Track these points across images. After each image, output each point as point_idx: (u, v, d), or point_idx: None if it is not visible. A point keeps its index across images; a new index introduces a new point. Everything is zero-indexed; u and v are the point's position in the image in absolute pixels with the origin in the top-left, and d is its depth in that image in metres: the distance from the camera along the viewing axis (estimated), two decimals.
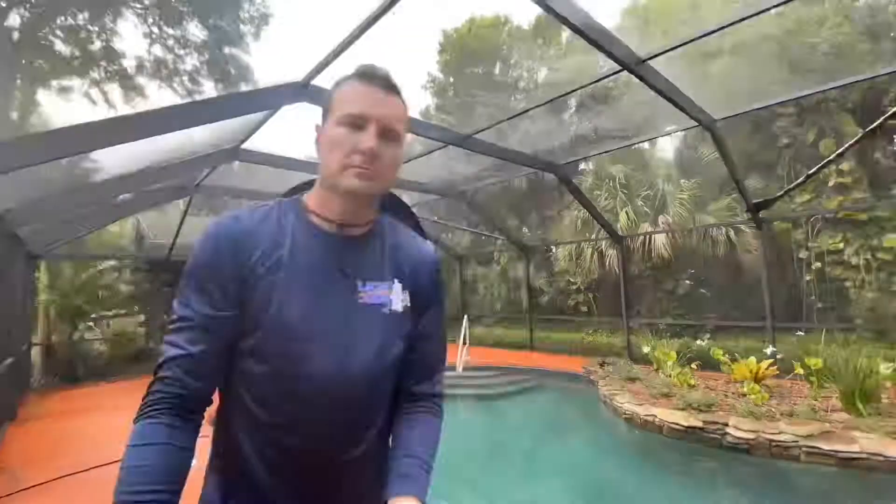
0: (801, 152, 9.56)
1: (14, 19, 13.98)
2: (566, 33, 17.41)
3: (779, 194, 6.75)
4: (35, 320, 8.91)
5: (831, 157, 5.93)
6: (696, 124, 5.33)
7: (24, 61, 14.23)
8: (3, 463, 4.08)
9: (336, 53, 3.61)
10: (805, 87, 5.05)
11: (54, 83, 15.52)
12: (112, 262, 10.56)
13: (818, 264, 8.94)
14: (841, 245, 8.61)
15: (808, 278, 9.19)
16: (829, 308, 9.01)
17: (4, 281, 4.67)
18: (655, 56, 4.05)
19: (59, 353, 8.74)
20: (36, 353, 8.69)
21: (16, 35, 13.86)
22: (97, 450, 4.40)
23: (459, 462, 5.02)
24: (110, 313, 11.13)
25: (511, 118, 5.51)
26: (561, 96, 5.13)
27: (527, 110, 5.39)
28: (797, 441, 4.14)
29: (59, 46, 14.99)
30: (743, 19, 3.67)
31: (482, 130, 5.81)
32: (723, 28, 3.79)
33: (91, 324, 10.89)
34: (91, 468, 3.88)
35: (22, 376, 6.78)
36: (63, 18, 14.72)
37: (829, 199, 8.91)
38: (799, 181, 6.56)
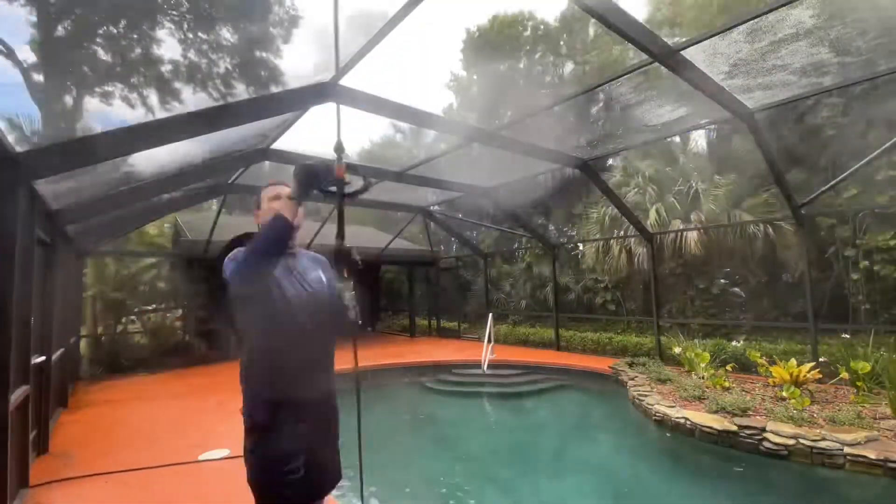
0: (847, 143, 9.00)
1: (61, 30, 14.83)
2: (594, 25, 17.02)
3: (823, 188, 6.40)
4: (83, 314, 9.46)
5: (883, 148, 5.57)
6: (732, 116, 5.13)
7: (70, 69, 15.06)
8: (58, 447, 4.37)
9: (362, 54, 3.66)
10: (852, 73, 4.75)
11: (97, 89, 16.39)
12: (152, 259, 11.08)
13: (866, 262, 8.42)
14: (892, 242, 8.07)
15: (854, 277, 8.67)
16: (879, 309, 8.48)
17: (56, 276, 4.98)
18: (688, 46, 3.90)
19: (104, 345, 9.26)
20: (84, 345, 9.23)
21: (63, 45, 14.71)
22: (140, 437, 4.65)
23: (485, 463, 5.02)
24: (150, 308, 11.70)
25: (535, 114, 5.44)
26: (586, 91, 5.02)
27: (551, 106, 5.31)
28: (841, 448, 3.93)
29: (102, 55, 15.82)
30: (782, 5, 3.49)
31: (506, 126, 5.76)
32: (757, 17, 3.62)
33: (133, 317, 11.48)
34: (138, 469, 4.10)
35: (72, 366, 7.22)
36: (105, 28, 15.51)
37: (880, 194, 8.37)
38: (846, 173, 6.20)
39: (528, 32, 19.11)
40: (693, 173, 10.81)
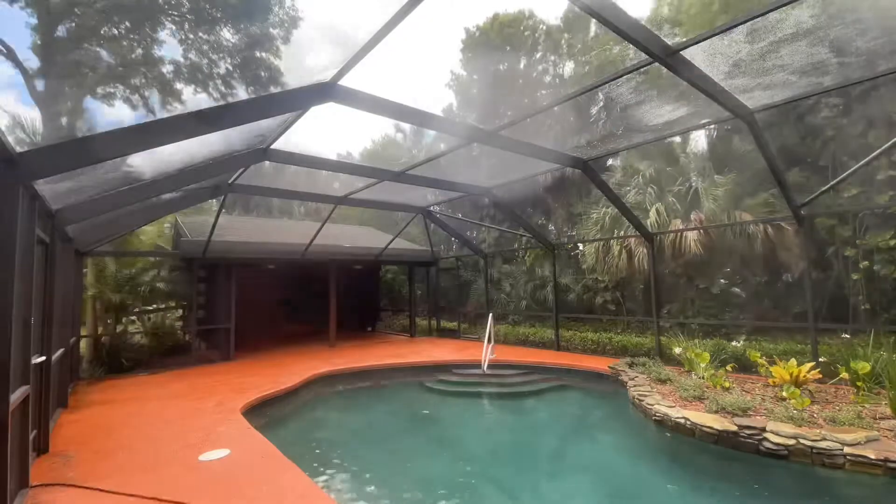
0: (847, 144, 9.01)
1: (62, 31, 14.84)
2: (594, 25, 17.03)
3: (823, 189, 6.40)
4: (83, 314, 9.47)
5: (883, 148, 5.57)
6: (732, 116, 5.13)
7: (71, 70, 15.07)
8: (58, 447, 4.37)
9: (362, 54, 3.66)
10: (852, 73, 4.75)
11: (99, 90, 16.41)
12: (152, 259, 11.09)
13: (866, 263, 8.42)
14: (892, 242, 8.07)
15: (854, 277, 8.67)
16: (879, 309, 8.48)
17: (56, 276, 4.98)
18: (688, 46, 3.90)
19: (104, 345, 9.26)
20: (84, 345, 9.23)
21: (64, 46, 14.72)
22: (140, 437, 4.65)
23: (485, 463, 5.02)
24: (150, 308, 11.71)
25: (536, 114, 5.44)
26: (586, 90, 5.02)
27: (551, 106, 5.31)
28: (841, 448, 3.93)
29: (103, 56, 15.83)
30: (782, 5, 3.49)
31: (506, 126, 5.76)
32: (755, 17, 3.62)
33: (133, 318, 11.49)
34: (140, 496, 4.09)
35: (72, 366, 7.22)
36: (106, 29, 15.52)
37: (880, 194, 8.37)
38: (846, 173, 6.20)
39: (528, 32, 19.11)
40: (693, 173, 10.81)
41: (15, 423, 3.02)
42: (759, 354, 6.45)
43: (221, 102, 17.60)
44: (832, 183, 6.49)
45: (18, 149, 2.84)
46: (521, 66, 19.47)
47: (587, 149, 6.93)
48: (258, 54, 18.24)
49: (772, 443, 4.25)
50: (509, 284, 14.70)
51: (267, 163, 6.47)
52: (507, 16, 19.29)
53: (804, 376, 5.57)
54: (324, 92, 4.02)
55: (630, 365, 7.46)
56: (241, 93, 18.37)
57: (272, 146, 5.73)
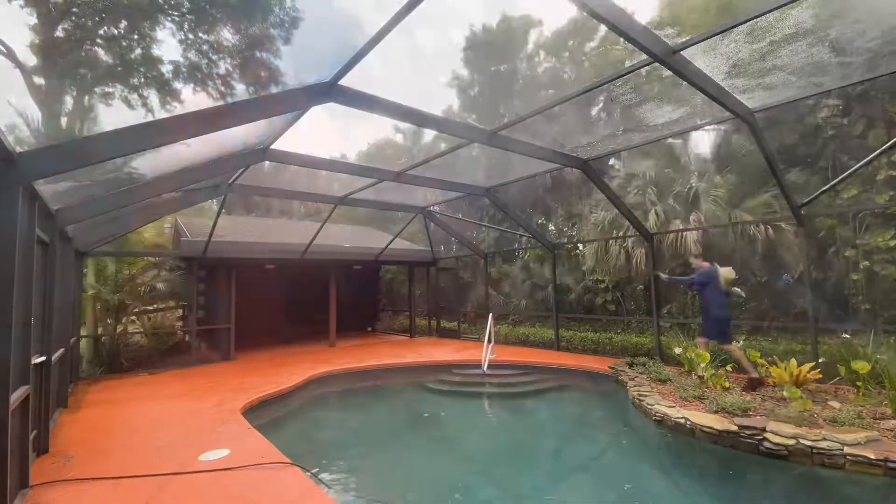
0: (847, 144, 9.00)
1: (61, 31, 14.83)
2: (601, 28, 17.03)
3: (823, 189, 6.40)
4: (83, 314, 9.46)
5: (883, 148, 5.57)
6: (732, 116, 5.13)
7: (70, 70, 15.05)
8: (58, 448, 4.36)
9: (362, 54, 3.66)
10: (852, 74, 4.75)
11: (97, 90, 16.39)
12: (151, 259, 11.08)
13: (866, 262, 8.41)
14: (892, 242, 8.07)
15: (854, 277, 8.66)
16: (879, 309, 8.47)
17: (56, 276, 4.97)
18: (688, 46, 3.90)
19: (104, 345, 9.26)
20: (84, 345, 9.23)
21: (63, 46, 14.71)
22: (139, 437, 4.64)
23: (484, 463, 5.02)
24: (150, 308, 11.70)
25: (536, 113, 5.44)
26: (586, 90, 5.01)
27: (552, 105, 5.30)
28: (841, 449, 3.93)
29: (102, 55, 15.81)
30: (782, 5, 3.49)
31: (507, 126, 5.76)
32: (755, 17, 3.62)
33: (133, 318, 11.48)
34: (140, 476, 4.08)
35: (72, 366, 7.22)
36: (105, 29, 15.50)
37: (879, 194, 8.37)
38: (846, 173, 6.20)
39: (526, 36, 19.11)
40: (693, 174, 10.80)
41: (15, 423, 3.02)
42: (759, 354, 6.45)
43: (221, 103, 17.58)
44: (832, 183, 6.49)
45: (18, 149, 2.84)
46: (525, 66, 19.48)
47: (587, 149, 6.93)
48: (258, 54, 18.22)
49: (772, 443, 4.25)
50: (509, 285, 14.70)
51: (267, 163, 6.47)
52: (510, 18, 19.30)
53: (804, 376, 5.57)
54: (324, 92, 4.02)
55: (630, 365, 7.46)
56: (241, 93, 18.37)
57: (272, 146, 5.73)
